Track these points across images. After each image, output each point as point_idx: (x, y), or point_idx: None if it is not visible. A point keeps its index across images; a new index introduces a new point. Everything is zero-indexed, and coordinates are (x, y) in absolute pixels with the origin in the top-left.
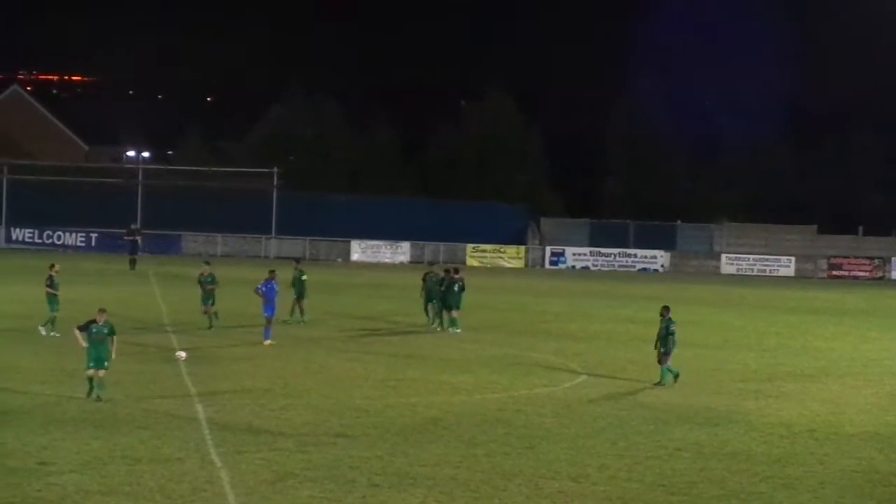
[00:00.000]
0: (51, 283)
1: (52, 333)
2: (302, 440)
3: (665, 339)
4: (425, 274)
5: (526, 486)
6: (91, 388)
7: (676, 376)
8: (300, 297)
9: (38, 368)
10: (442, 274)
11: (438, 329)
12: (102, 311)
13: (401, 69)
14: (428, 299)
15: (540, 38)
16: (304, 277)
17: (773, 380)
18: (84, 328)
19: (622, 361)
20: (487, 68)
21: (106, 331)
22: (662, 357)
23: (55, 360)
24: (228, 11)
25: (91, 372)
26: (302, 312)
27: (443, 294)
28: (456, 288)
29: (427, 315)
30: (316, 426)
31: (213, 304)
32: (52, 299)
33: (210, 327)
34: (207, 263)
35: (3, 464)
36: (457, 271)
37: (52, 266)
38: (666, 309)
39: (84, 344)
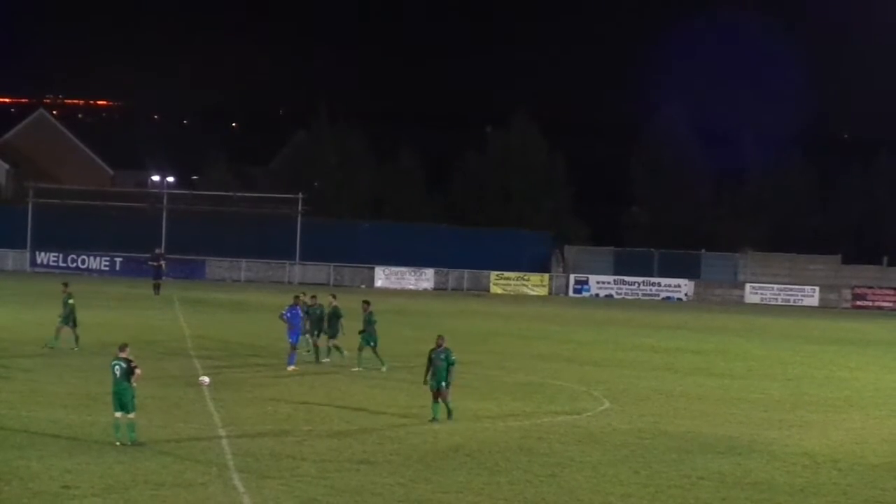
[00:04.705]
0: None
1: None
2: (324, 466)
3: (447, 371)
4: (301, 304)
5: None
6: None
7: (450, 413)
8: (67, 321)
9: (62, 392)
10: (310, 302)
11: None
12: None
13: (425, 95)
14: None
15: (565, 65)
16: (71, 301)
17: (797, 409)
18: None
19: (646, 390)
20: (512, 95)
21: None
22: (442, 391)
23: (80, 385)
24: (255, 39)
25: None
26: (76, 339)
27: (364, 329)
28: (371, 320)
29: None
30: (338, 452)
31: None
32: None
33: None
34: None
35: (27, 487)
36: (367, 302)
37: None
38: (442, 338)
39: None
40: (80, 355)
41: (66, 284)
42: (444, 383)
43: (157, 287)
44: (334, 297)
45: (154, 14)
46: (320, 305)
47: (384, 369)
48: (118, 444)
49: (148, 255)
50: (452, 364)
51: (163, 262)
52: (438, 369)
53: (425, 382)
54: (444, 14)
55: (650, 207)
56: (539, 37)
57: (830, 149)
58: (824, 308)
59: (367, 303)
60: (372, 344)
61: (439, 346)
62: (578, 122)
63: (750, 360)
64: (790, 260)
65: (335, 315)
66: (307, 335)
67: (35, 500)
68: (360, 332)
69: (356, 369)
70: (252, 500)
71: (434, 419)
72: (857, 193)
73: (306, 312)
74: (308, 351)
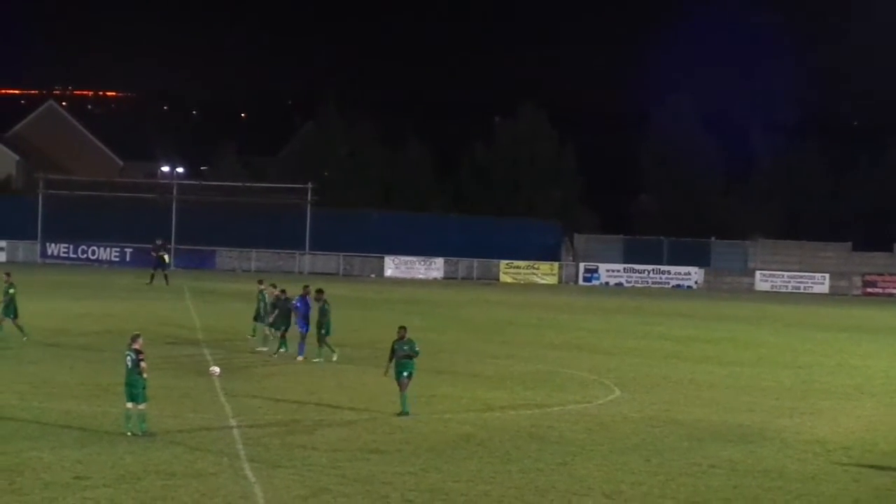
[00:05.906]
0: None
1: None
2: (335, 455)
3: (409, 364)
4: (260, 291)
5: (559, 502)
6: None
7: (405, 408)
8: (8, 312)
9: (73, 383)
10: (279, 295)
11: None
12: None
13: (434, 85)
14: (256, 316)
15: (574, 54)
16: (12, 291)
17: (808, 397)
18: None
19: (656, 378)
20: (521, 85)
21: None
22: (402, 381)
23: (91, 375)
24: (264, 29)
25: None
26: None
27: (318, 319)
28: (325, 309)
29: (254, 332)
30: (349, 441)
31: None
32: None
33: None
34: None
35: (39, 477)
36: (321, 291)
37: None
38: (404, 328)
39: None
40: (91, 348)
41: (8, 274)
42: (405, 374)
43: (164, 277)
44: (275, 286)
45: (163, 5)
46: (288, 298)
47: (330, 359)
48: (129, 434)
49: (150, 246)
50: (415, 354)
51: (164, 253)
52: (400, 361)
53: (385, 374)
54: (452, 3)
55: (660, 196)
56: (547, 26)
57: (841, 136)
58: (834, 295)
59: (320, 291)
60: (323, 332)
61: (402, 337)
62: (587, 112)
63: (760, 348)
64: (800, 247)
65: (273, 306)
66: (266, 325)
67: (47, 491)
68: (318, 327)
69: (317, 360)
70: (263, 489)
71: (402, 413)
72: (867, 181)
73: (272, 304)
74: (252, 335)
